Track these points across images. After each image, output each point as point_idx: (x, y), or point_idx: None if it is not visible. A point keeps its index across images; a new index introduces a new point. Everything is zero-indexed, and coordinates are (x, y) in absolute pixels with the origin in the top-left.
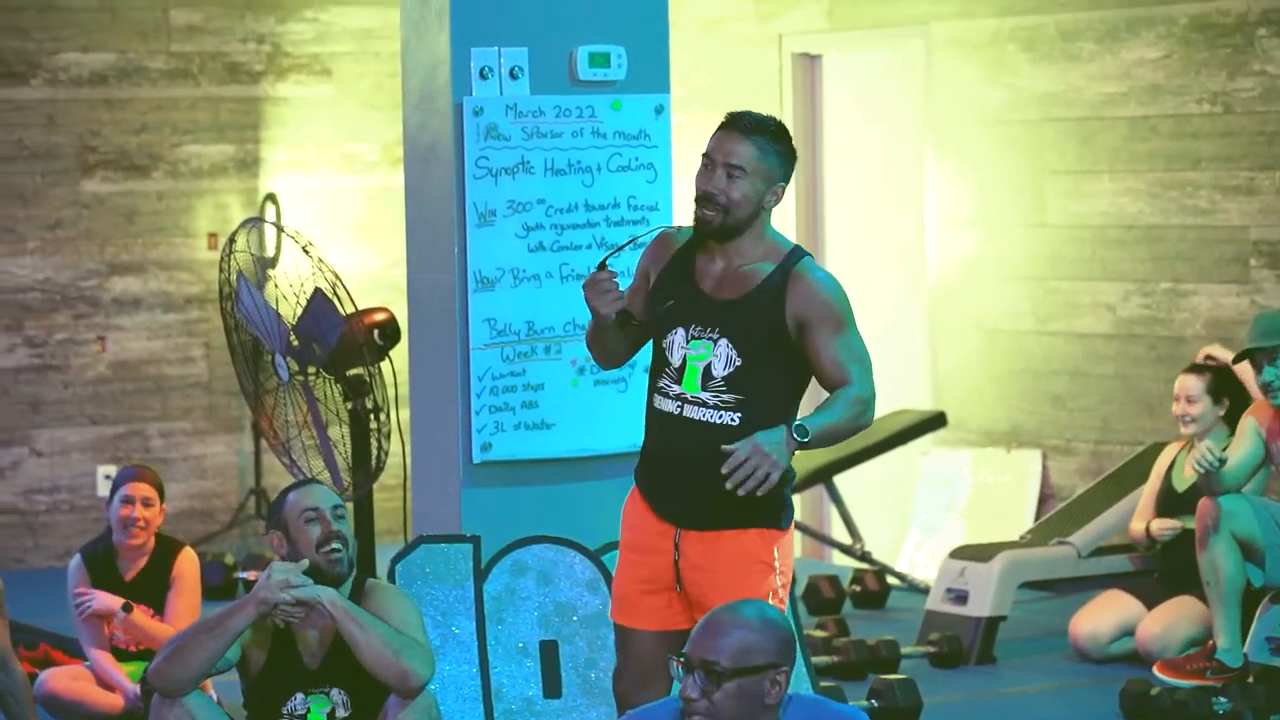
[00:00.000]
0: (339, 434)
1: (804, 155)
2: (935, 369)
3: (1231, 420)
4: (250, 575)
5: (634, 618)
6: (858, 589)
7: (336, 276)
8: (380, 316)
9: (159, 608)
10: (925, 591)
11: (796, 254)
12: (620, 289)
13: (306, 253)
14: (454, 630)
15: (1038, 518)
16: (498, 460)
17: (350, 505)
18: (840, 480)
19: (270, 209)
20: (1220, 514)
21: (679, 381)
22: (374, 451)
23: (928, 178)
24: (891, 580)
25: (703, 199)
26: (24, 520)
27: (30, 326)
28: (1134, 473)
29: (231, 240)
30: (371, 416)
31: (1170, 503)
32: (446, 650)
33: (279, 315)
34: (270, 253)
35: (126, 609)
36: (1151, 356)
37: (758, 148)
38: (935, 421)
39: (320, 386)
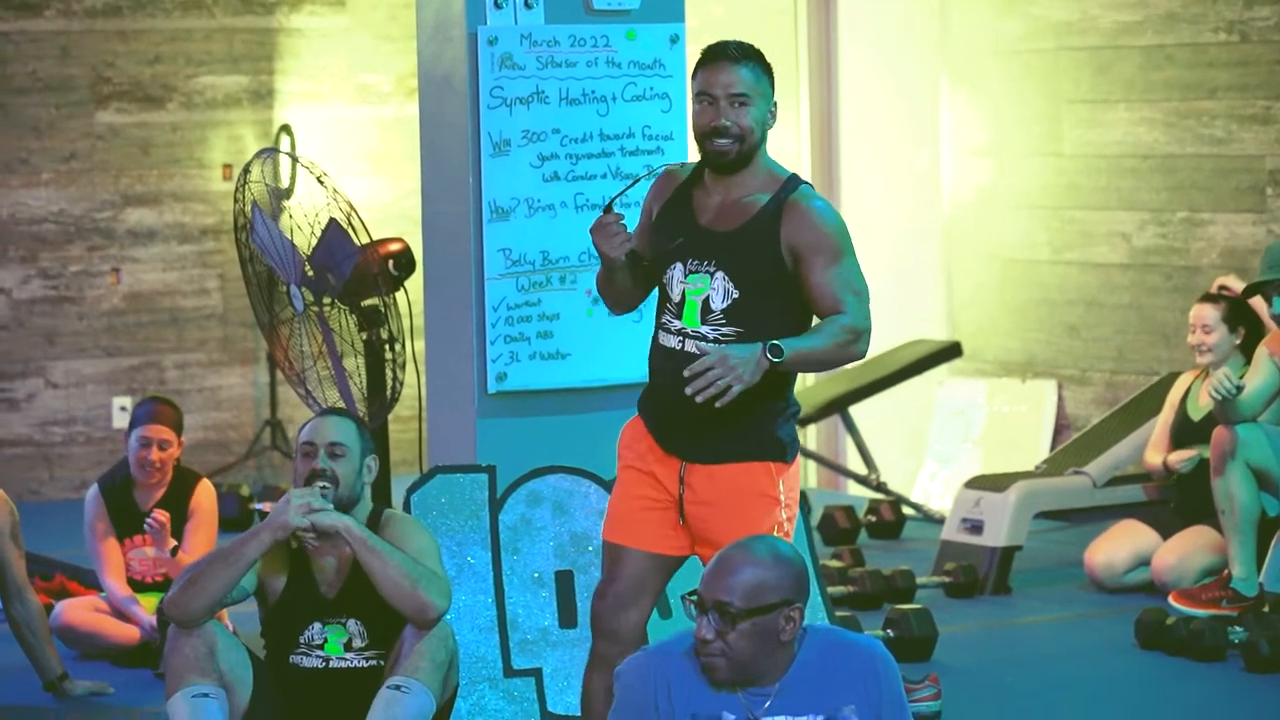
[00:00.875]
0: (354, 364)
1: (818, 85)
2: (950, 299)
3: (1247, 350)
4: (265, 507)
5: (628, 535)
6: (873, 519)
7: (351, 207)
8: (395, 247)
9: (176, 539)
10: (940, 522)
11: (793, 182)
12: (628, 231)
13: (321, 183)
14: (469, 560)
15: (1053, 448)
16: (513, 390)
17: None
18: (855, 410)
19: (285, 140)
20: (1236, 443)
21: (679, 316)
22: (389, 382)
23: (943, 107)
24: (907, 510)
25: (714, 133)
26: (40, 452)
27: (45, 258)
28: (1149, 402)
29: (246, 171)
30: (386, 347)
31: (1185, 432)
32: (462, 580)
33: (294, 246)
34: (285, 184)
35: (174, 552)
36: (1167, 286)
37: (752, 72)
38: (950, 351)
39: (335, 317)
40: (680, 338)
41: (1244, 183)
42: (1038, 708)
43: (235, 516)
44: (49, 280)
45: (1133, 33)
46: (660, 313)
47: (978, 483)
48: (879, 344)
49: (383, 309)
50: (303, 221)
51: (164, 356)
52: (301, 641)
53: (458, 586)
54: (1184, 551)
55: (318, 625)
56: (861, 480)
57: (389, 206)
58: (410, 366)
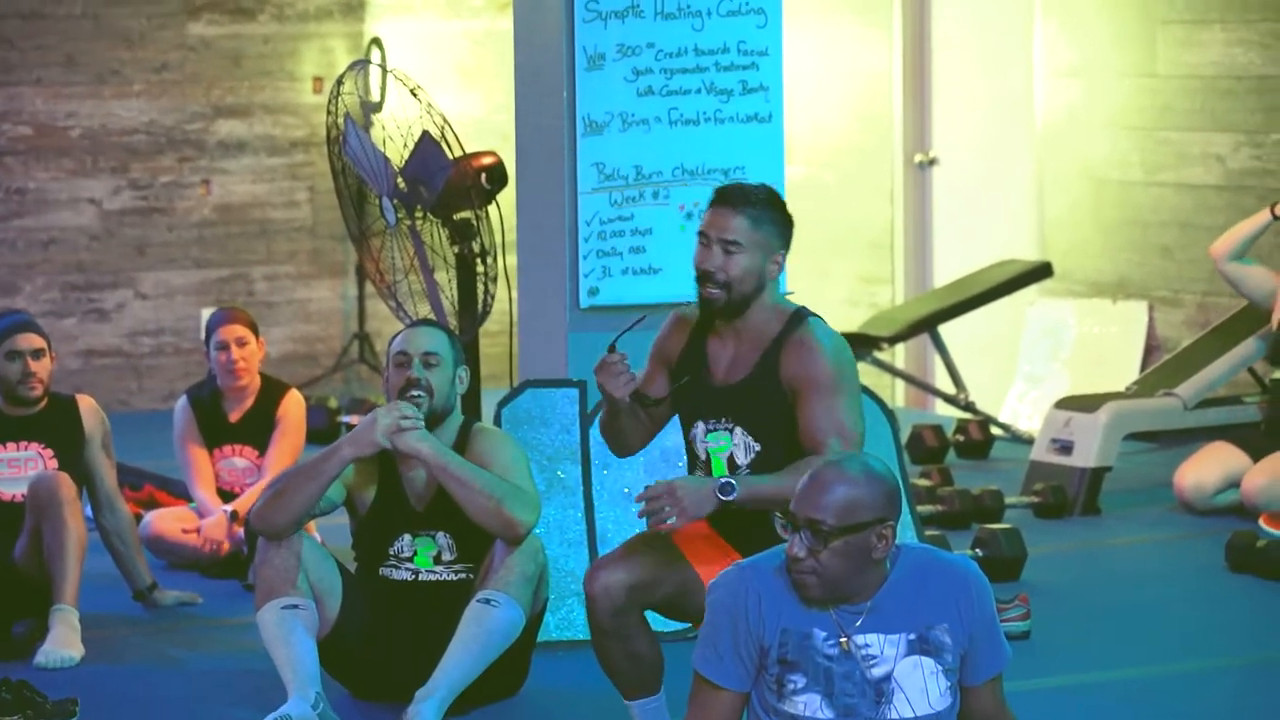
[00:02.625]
0: (445, 278)
1: (911, 5)
2: (1042, 219)
3: None
4: (353, 419)
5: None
6: (961, 439)
7: (445, 120)
8: (488, 160)
9: (263, 449)
10: (1029, 442)
11: (796, 318)
12: (632, 371)
13: (415, 96)
14: (559, 475)
15: (1143, 369)
16: (604, 305)
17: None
18: (945, 330)
19: (375, 53)
20: None
21: (709, 474)
22: (480, 296)
23: (1036, 27)
24: (995, 430)
25: (703, 278)
26: (129, 362)
27: (135, 169)
28: (1241, 325)
29: (339, 83)
30: (478, 261)
31: None
32: (552, 495)
33: (386, 158)
34: (376, 97)
35: (233, 517)
36: (1261, 209)
37: (750, 220)
38: (1041, 271)
39: (427, 230)
40: None
41: None
42: (1127, 629)
43: (323, 429)
44: (139, 191)
45: None
46: (691, 470)
47: (1068, 403)
48: (970, 264)
49: (475, 223)
50: (395, 134)
51: (253, 269)
52: (391, 554)
53: (547, 501)
54: (1274, 473)
55: (407, 537)
56: (950, 400)
57: (480, 121)
58: (501, 281)
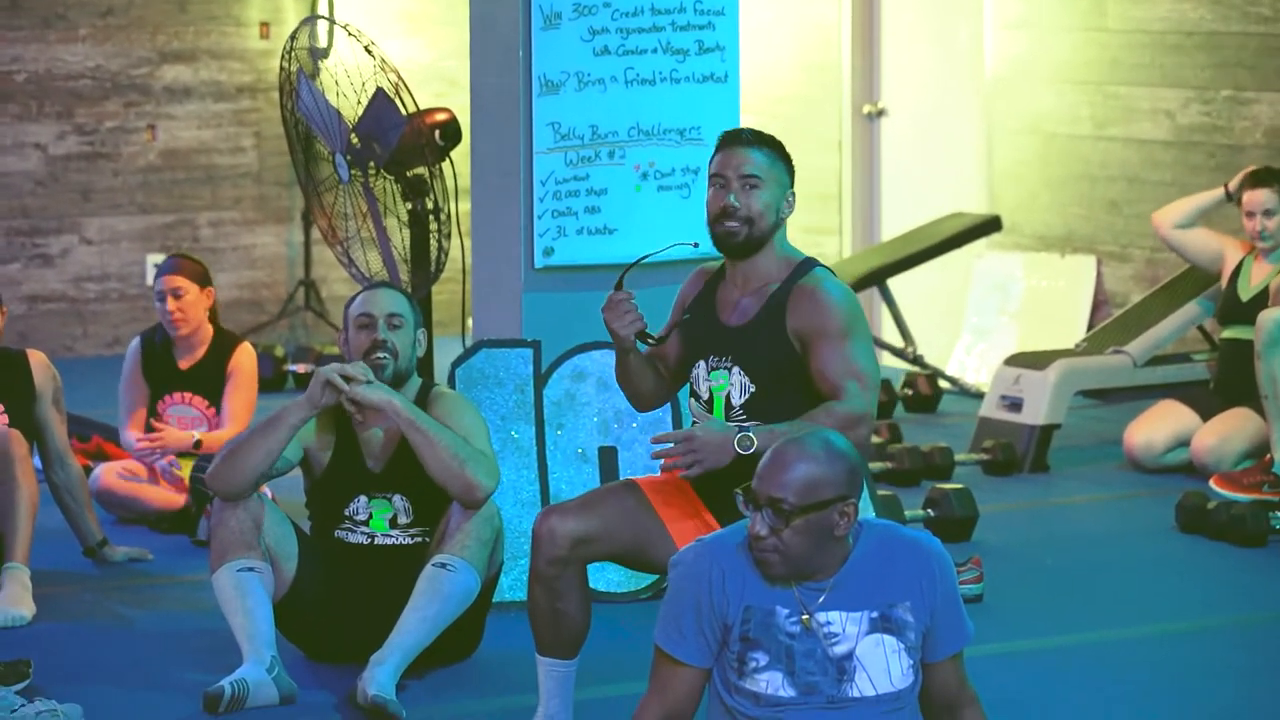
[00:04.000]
0: (399, 234)
1: None
2: (990, 172)
3: None
4: (300, 368)
5: (645, 480)
6: (909, 392)
7: (399, 76)
8: (441, 117)
9: (212, 399)
10: (977, 396)
11: (805, 266)
12: (639, 310)
13: (369, 51)
14: (513, 435)
15: (1091, 323)
16: (559, 265)
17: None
18: (893, 283)
19: (323, 1)
20: (1278, 327)
21: (710, 413)
22: (433, 252)
23: None
24: (943, 384)
25: (723, 214)
26: (74, 308)
27: (81, 114)
28: (1190, 281)
29: (292, 38)
30: (431, 217)
31: (1233, 310)
32: (506, 455)
33: (340, 115)
34: (323, 44)
35: (197, 445)
36: (1210, 165)
37: (766, 156)
38: (990, 225)
39: (380, 186)
40: None
41: None
42: (1079, 592)
43: (269, 377)
44: (84, 136)
45: None
46: (695, 412)
47: (1017, 360)
48: (919, 217)
49: (428, 179)
50: (349, 90)
51: (198, 214)
52: (346, 515)
53: (501, 461)
54: (1224, 433)
55: (363, 499)
56: (898, 353)
57: (427, 68)
58: (454, 234)
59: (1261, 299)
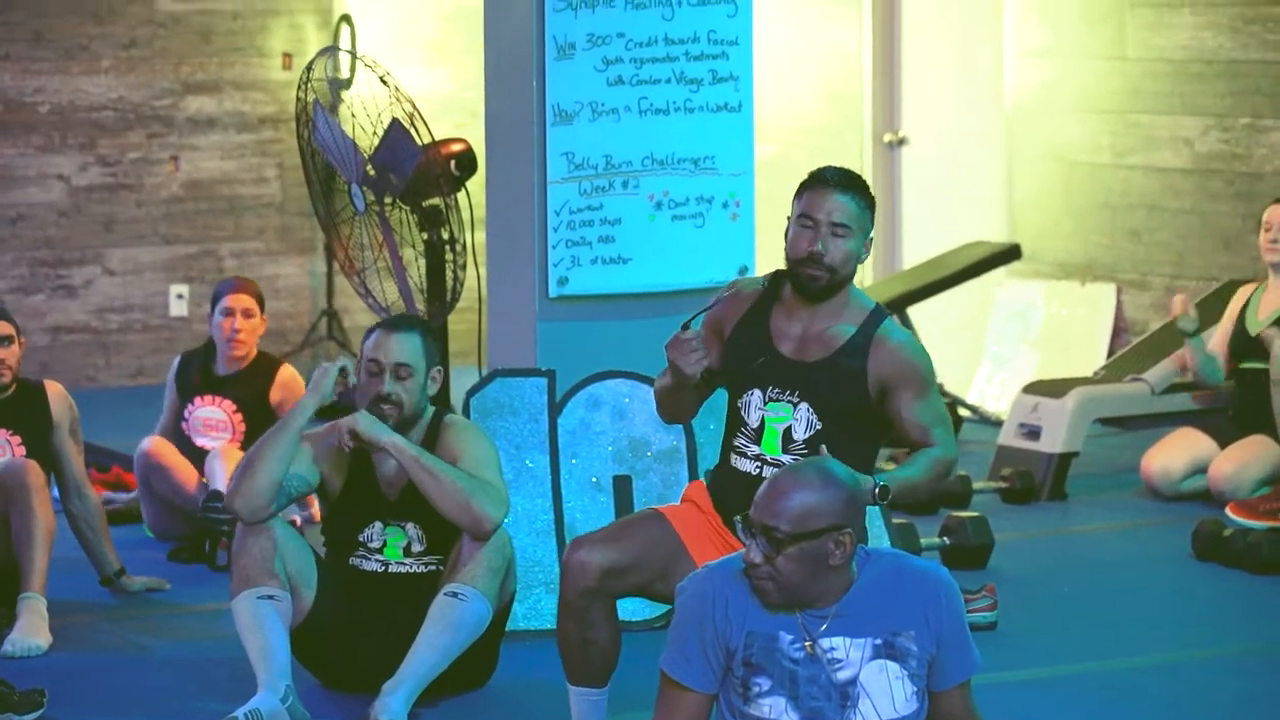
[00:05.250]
0: (415, 264)
1: None
2: (1011, 200)
3: None
4: None
5: (671, 511)
6: None
7: (414, 106)
8: (457, 147)
9: (243, 407)
10: (996, 424)
11: (878, 315)
12: (703, 350)
13: (384, 82)
14: (528, 464)
15: (1111, 351)
16: (574, 295)
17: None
18: (914, 311)
19: (345, 30)
20: None
21: (757, 442)
22: (449, 282)
23: (1006, 7)
24: (963, 412)
25: (809, 260)
26: (96, 339)
27: (104, 145)
28: (1209, 309)
29: (309, 69)
30: (447, 247)
31: (1243, 345)
32: (520, 484)
33: (355, 145)
34: (345, 75)
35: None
36: (1229, 192)
37: (855, 203)
38: (1010, 253)
39: (396, 217)
40: (758, 463)
41: None
42: (1094, 620)
43: None
44: (107, 168)
45: None
46: (733, 434)
47: (1035, 388)
48: (940, 245)
49: (444, 209)
50: (365, 121)
51: (221, 245)
52: (360, 542)
53: (515, 490)
54: (1241, 461)
55: (378, 525)
56: None
57: (449, 98)
58: (470, 263)
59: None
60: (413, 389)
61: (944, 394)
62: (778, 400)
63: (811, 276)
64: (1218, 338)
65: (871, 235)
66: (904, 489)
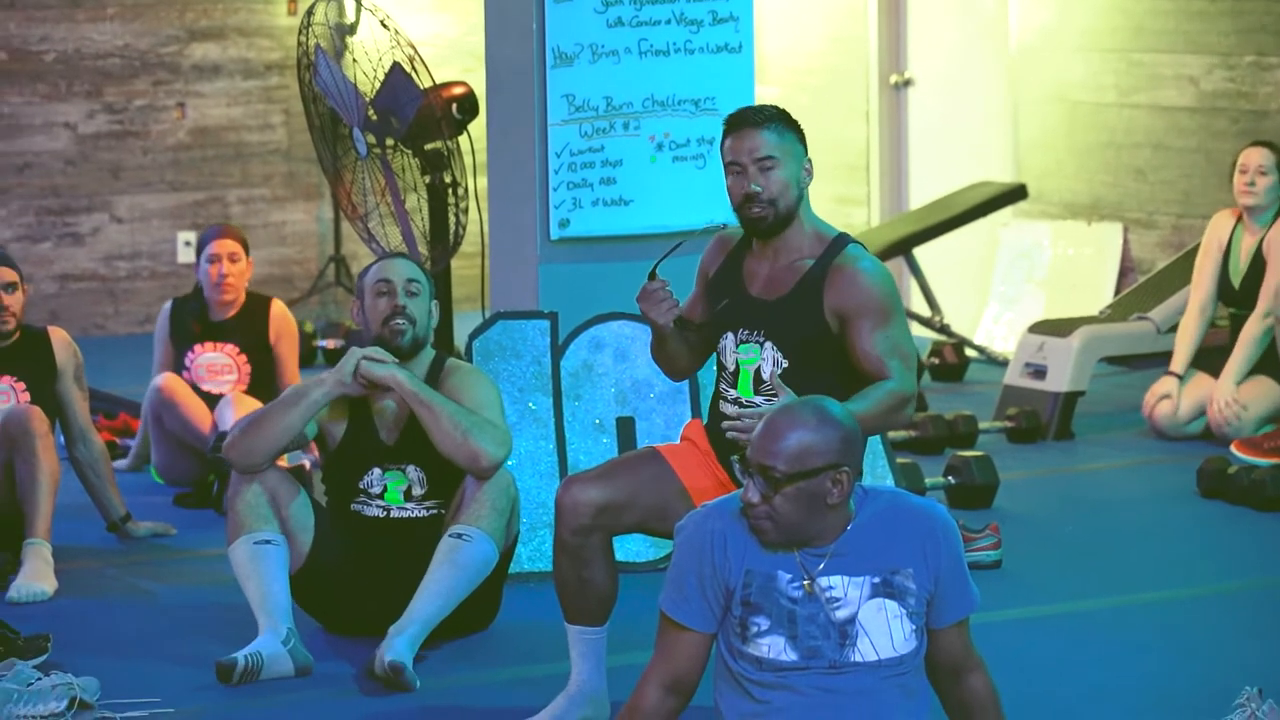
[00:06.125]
0: (417, 207)
1: None
2: (1016, 141)
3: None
4: (329, 344)
5: (669, 449)
6: (936, 361)
7: (414, 50)
8: (458, 91)
9: (246, 348)
10: (1004, 364)
11: (839, 243)
12: (674, 296)
13: (384, 26)
14: (531, 406)
15: (1117, 290)
16: (575, 236)
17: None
18: (920, 252)
19: None
20: None
21: (735, 386)
22: (451, 226)
23: None
24: (970, 352)
25: (747, 201)
26: (105, 286)
27: (110, 93)
28: None
29: (309, 13)
30: (449, 191)
31: (1228, 295)
32: (523, 426)
33: (357, 89)
34: (350, 20)
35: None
36: (1234, 130)
37: (775, 133)
38: (1016, 193)
39: (398, 160)
40: (737, 407)
41: None
42: (1098, 558)
43: (300, 352)
44: (114, 115)
45: None
46: (718, 379)
47: (1041, 327)
48: (945, 186)
49: (446, 153)
50: (366, 65)
51: (228, 191)
52: (361, 488)
53: (519, 433)
54: (1243, 400)
55: (377, 471)
56: (925, 322)
57: (455, 42)
58: (473, 207)
59: (1250, 280)
60: (422, 307)
61: (950, 334)
62: (747, 342)
63: (757, 216)
64: (1199, 276)
65: (809, 158)
66: None
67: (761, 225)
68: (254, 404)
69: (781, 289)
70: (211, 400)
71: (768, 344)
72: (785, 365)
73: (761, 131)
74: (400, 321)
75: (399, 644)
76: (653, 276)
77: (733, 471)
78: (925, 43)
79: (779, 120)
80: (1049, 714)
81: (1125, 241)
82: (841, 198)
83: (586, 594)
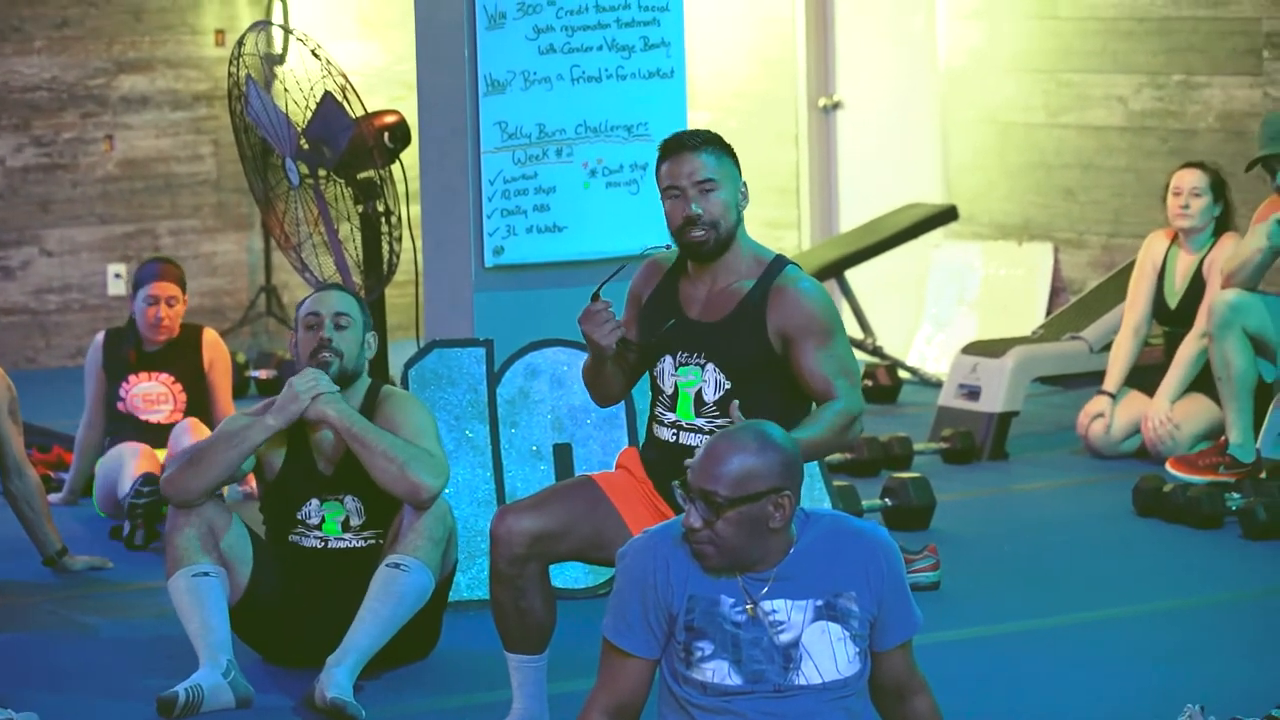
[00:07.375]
0: (350, 237)
1: None
2: (947, 162)
3: (1220, 229)
4: (261, 374)
5: (604, 478)
6: (870, 384)
7: (346, 79)
8: (390, 119)
9: (181, 377)
10: (937, 385)
11: (777, 265)
12: (617, 318)
13: (316, 55)
14: (467, 434)
15: (1049, 310)
16: (510, 264)
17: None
18: (852, 274)
19: (277, 6)
20: (1231, 309)
21: (673, 409)
22: (385, 254)
23: None
24: (903, 374)
25: (688, 224)
26: (35, 320)
27: (38, 126)
28: None
29: (240, 44)
30: (383, 220)
31: (1163, 315)
32: (460, 454)
33: (288, 119)
34: (279, 50)
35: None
36: (1164, 149)
37: (712, 156)
38: (947, 215)
39: (331, 190)
40: (674, 430)
41: (1240, 45)
42: (1036, 578)
43: (233, 384)
44: (42, 148)
45: None
46: (653, 404)
47: (974, 348)
48: (876, 208)
49: (378, 182)
50: (298, 95)
51: (158, 223)
52: (299, 519)
53: (456, 460)
54: (1178, 418)
55: (315, 502)
56: (858, 345)
57: (383, 71)
58: (406, 233)
59: (1188, 301)
60: (351, 341)
61: (883, 356)
62: (687, 364)
63: (698, 240)
64: (1134, 295)
65: (744, 182)
66: (808, 449)
67: (703, 249)
68: (207, 432)
69: (722, 311)
70: (152, 429)
71: (709, 365)
72: (728, 387)
73: (700, 155)
74: (326, 355)
75: (338, 676)
76: (596, 298)
77: (669, 497)
78: (854, 65)
79: (715, 144)
80: None
81: (1056, 261)
82: (772, 221)
83: (525, 623)
